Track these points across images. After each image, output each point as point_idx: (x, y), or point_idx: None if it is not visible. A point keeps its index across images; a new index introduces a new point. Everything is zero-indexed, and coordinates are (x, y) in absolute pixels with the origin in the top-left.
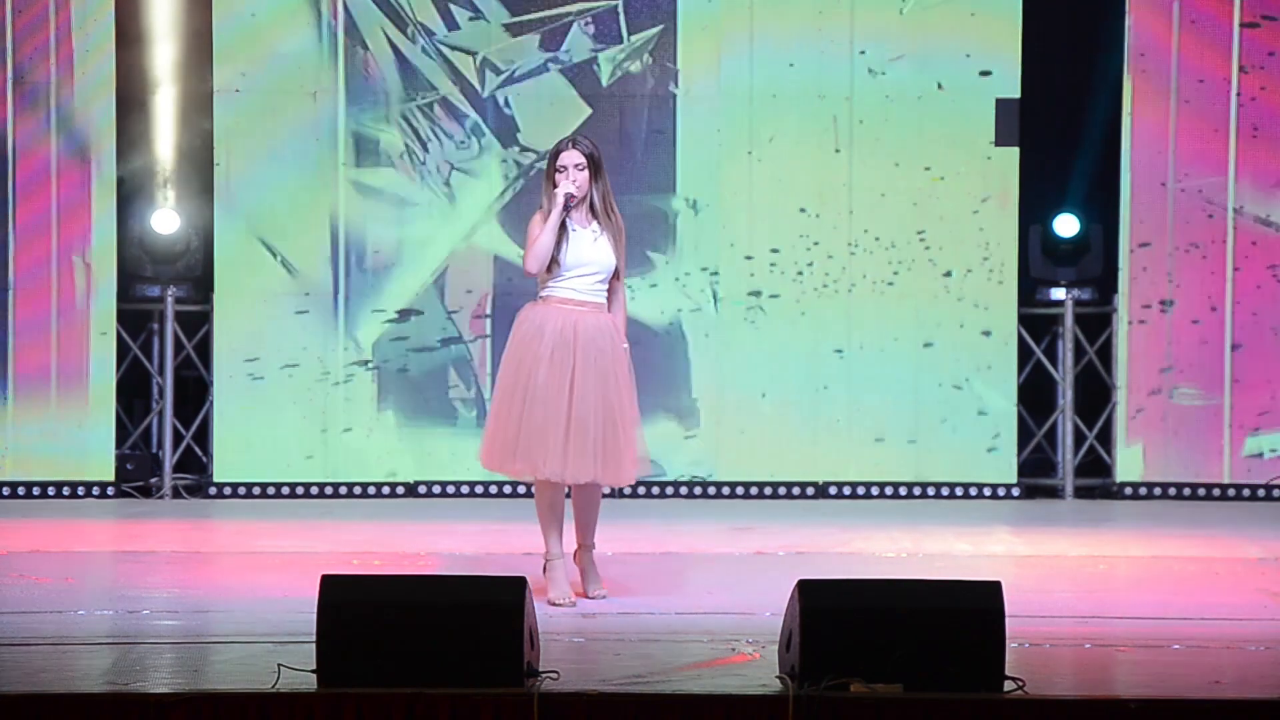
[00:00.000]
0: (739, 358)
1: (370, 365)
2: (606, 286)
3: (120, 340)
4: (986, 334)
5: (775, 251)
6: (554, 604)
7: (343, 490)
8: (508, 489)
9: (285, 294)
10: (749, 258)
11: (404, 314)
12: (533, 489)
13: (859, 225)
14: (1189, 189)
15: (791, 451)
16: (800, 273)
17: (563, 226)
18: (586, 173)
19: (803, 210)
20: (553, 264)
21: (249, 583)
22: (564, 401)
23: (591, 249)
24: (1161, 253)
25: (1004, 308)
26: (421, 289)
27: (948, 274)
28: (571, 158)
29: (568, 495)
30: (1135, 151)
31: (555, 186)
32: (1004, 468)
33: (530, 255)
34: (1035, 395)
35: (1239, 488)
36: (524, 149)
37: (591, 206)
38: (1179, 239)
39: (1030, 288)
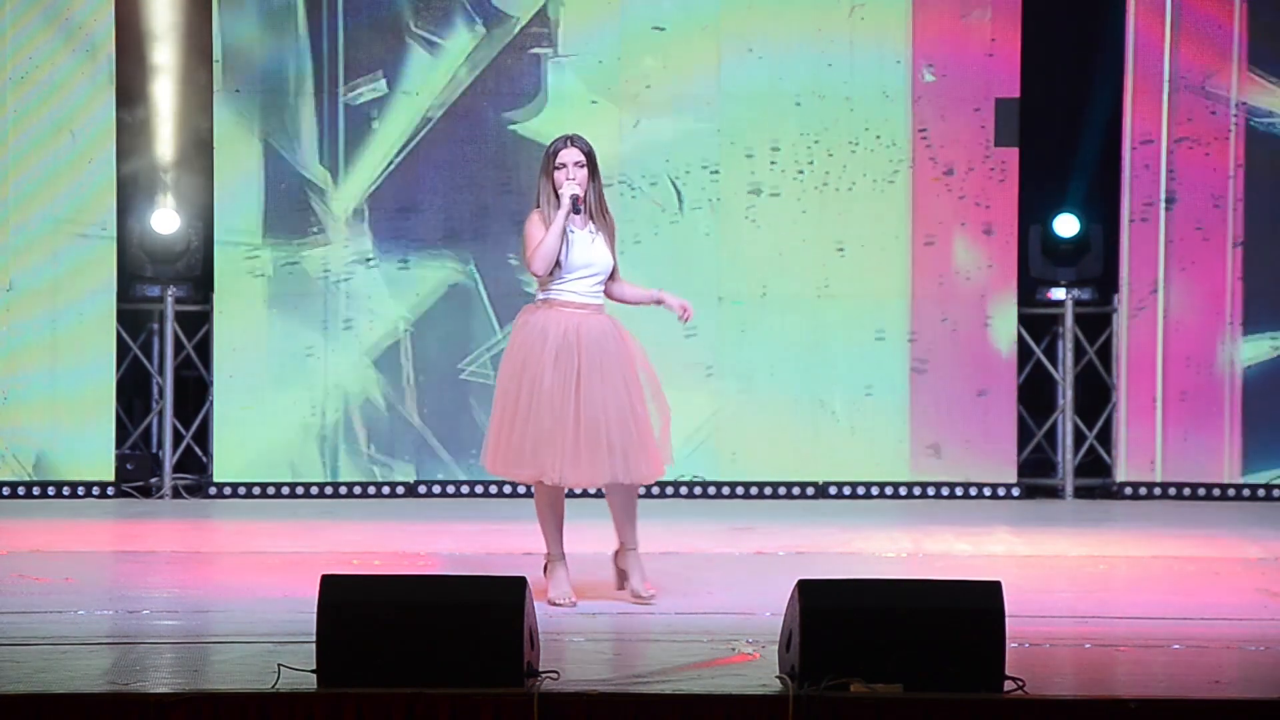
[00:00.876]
0: (739, 256)
1: (371, 262)
2: (603, 287)
3: (120, 340)
4: (988, 232)
5: (776, 150)
6: (554, 604)
7: (343, 490)
8: (507, 489)
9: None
10: (749, 156)
11: (403, 210)
12: (532, 489)
13: (859, 123)
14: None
15: (792, 349)
16: (801, 171)
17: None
18: (585, 170)
19: (798, 104)
20: (554, 266)
21: (249, 583)
22: (570, 406)
23: (590, 250)
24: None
25: (1005, 206)
26: None
27: (949, 172)
28: (571, 155)
29: (580, 494)
30: (1134, 152)
31: (554, 184)
32: (1004, 463)
33: (537, 257)
34: (1035, 395)
35: (1239, 488)
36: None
37: (589, 206)
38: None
39: (1030, 288)
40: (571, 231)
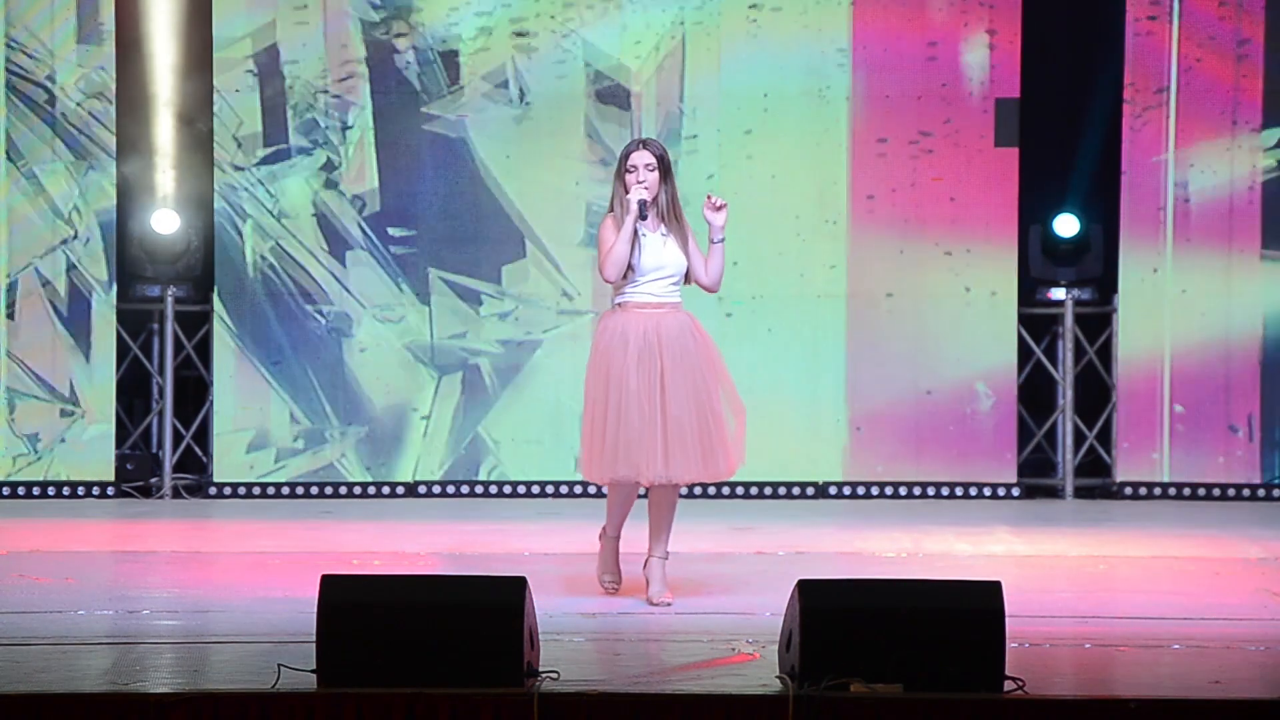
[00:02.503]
0: (740, 65)
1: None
2: (680, 286)
3: (120, 340)
4: (992, 32)
5: None
6: (604, 582)
7: (343, 490)
8: (507, 489)
9: None
10: None
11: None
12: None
13: None
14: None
15: (794, 159)
16: None
17: (634, 231)
18: (656, 173)
19: None
20: (628, 269)
21: (249, 583)
22: (657, 404)
23: (662, 252)
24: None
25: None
26: None
27: None
28: (642, 158)
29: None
30: (1133, 150)
31: (626, 188)
32: (1004, 463)
33: (608, 264)
34: (1035, 395)
35: (1239, 488)
36: None
37: (660, 209)
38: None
39: (1030, 288)
40: (643, 235)
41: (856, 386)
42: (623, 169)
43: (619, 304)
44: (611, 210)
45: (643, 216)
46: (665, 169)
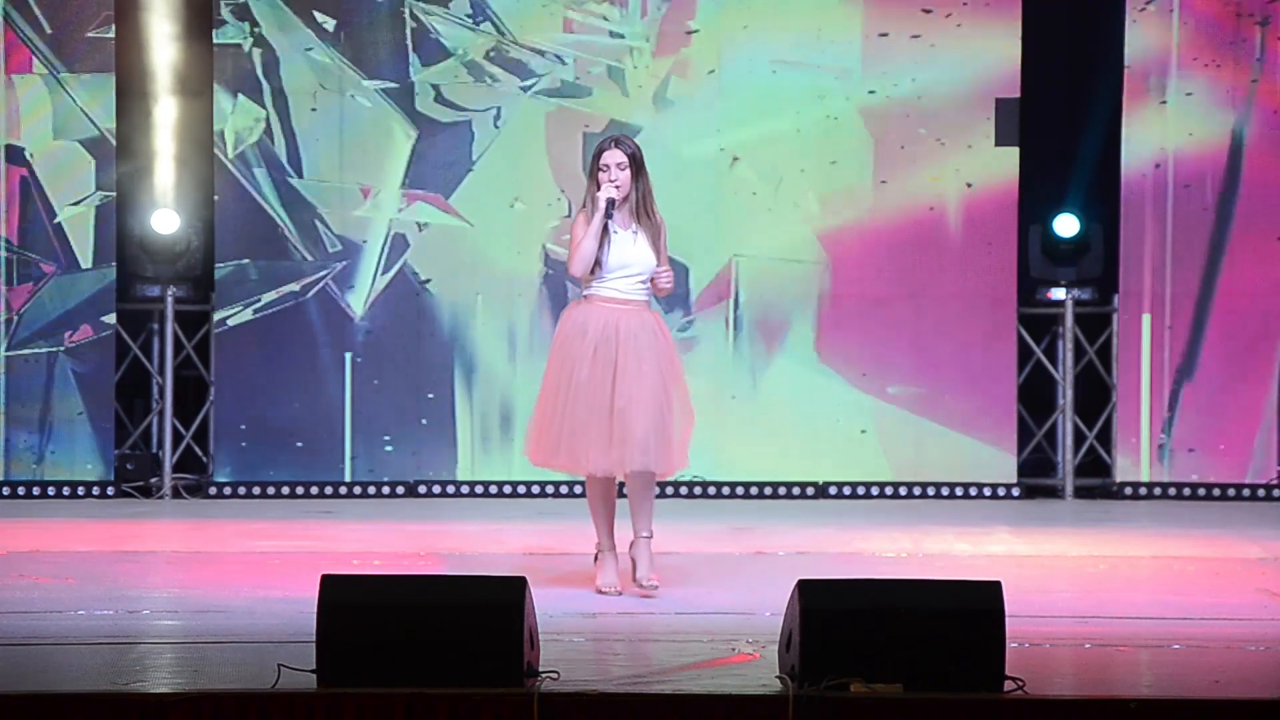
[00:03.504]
0: None
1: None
2: (648, 285)
3: (120, 340)
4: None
5: None
6: (601, 592)
7: (342, 490)
8: (507, 489)
9: None
10: None
11: None
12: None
13: None
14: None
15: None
16: None
17: (605, 229)
18: (628, 172)
19: None
20: (595, 265)
21: (249, 583)
22: (607, 397)
23: (632, 250)
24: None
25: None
26: None
27: None
28: (614, 157)
29: (622, 494)
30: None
31: (598, 186)
32: (1004, 463)
33: (575, 259)
34: (1035, 395)
35: (1238, 487)
36: None
37: (632, 207)
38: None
39: (1030, 288)
40: (614, 232)
41: None
42: (595, 167)
43: (585, 295)
44: (584, 207)
45: (609, 214)
46: (638, 167)
